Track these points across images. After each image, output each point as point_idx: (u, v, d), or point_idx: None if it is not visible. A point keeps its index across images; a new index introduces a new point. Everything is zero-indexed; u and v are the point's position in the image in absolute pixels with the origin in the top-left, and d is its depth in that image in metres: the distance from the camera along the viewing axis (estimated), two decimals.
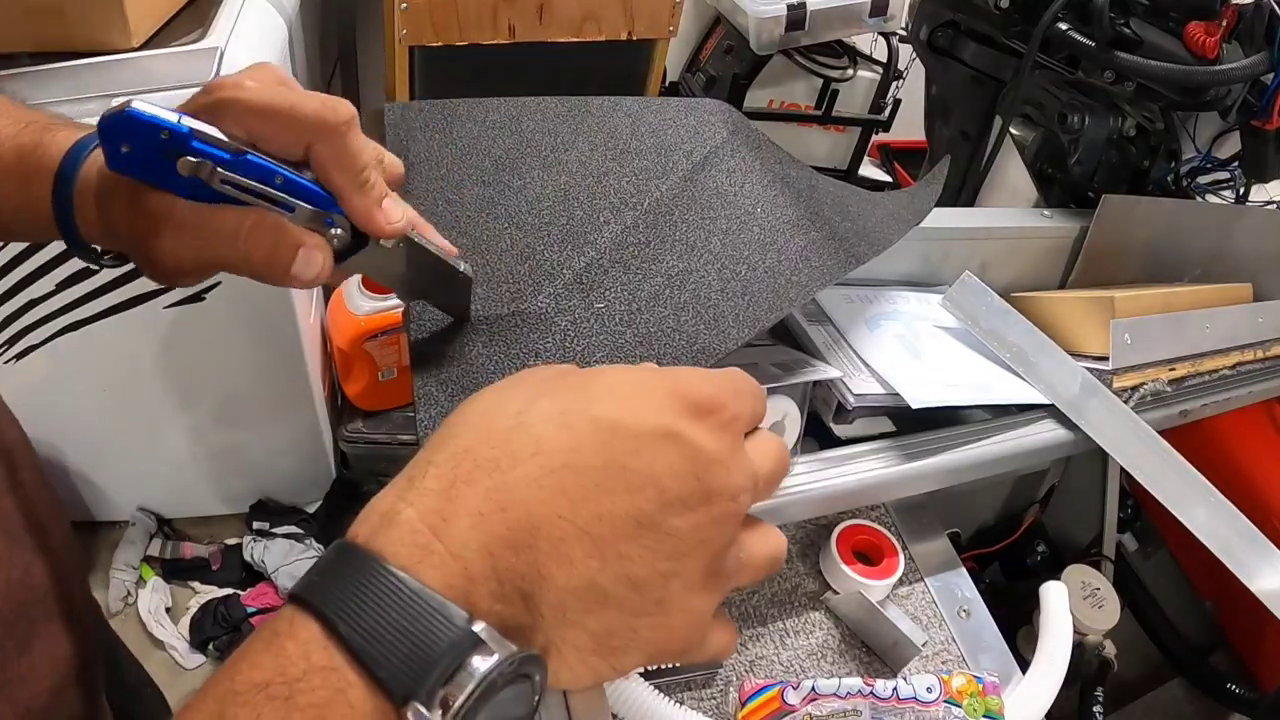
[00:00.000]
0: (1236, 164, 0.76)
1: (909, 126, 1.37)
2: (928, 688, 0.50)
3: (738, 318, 0.45)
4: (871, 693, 0.49)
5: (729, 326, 0.44)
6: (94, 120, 0.32)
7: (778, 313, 0.45)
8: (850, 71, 1.34)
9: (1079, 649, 0.62)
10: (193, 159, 0.32)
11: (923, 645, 0.54)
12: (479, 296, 0.46)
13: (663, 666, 0.51)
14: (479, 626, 0.23)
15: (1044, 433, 0.58)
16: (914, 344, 0.61)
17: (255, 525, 1.45)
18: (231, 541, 1.45)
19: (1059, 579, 0.60)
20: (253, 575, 1.41)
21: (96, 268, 0.41)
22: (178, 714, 0.23)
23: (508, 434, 0.26)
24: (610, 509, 0.26)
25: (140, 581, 1.38)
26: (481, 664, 0.23)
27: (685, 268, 0.47)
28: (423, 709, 0.22)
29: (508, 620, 0.25)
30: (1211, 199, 0.80)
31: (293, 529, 1.44)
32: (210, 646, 1.32)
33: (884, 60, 1.37)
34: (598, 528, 0.25)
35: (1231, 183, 0.79)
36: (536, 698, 0.25)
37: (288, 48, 1.12)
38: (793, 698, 0.49)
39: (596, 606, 0.26)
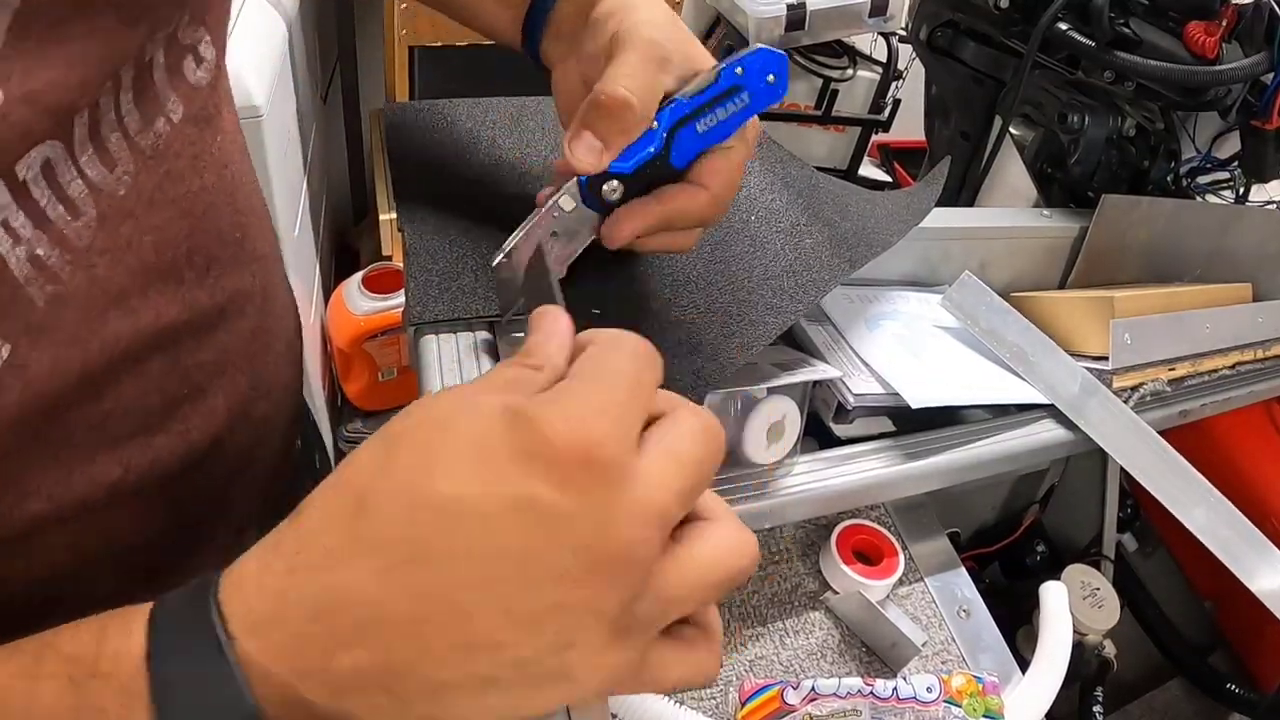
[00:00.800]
0: (1236, 164, 0.76)
1: (909, 126, 1.37)
2: (927, 687, 0.50)
3: (731, 340, 0.44)
4: (871, 692, 0.49)
5: (724, 351, 0.44)
6: None
7: (772, 335, 0.45)
8: (850, 71, 1.33)
9: (1078, 649, 0.62)
10: None
11: (922, 645, 0.54)
12: (478, 295, 0.46)
13: None
14: None
15: (1043, 432, 0.58)
16: (914, 344, 0.61)
17: None
18: None
19: (1059, 579, 0.60)
20: None
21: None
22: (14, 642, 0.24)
23: (350, 520, 0.23)
24: (470, 602, 0.22)
25: None
26: None
27: (686, 274, 0.47)
28: None
29: (360, 714, 0.23)
30: (1211, 199, 0.80)
31: None
32: None
33: (884, 60, 1.37)
34: (460, 623, 0.22)
35: (1231, 183, 0.79)
36: None
37: (288, 47, 1.12)
38: (792, 697, 0.49)
39: (486, 688, 0.23)
